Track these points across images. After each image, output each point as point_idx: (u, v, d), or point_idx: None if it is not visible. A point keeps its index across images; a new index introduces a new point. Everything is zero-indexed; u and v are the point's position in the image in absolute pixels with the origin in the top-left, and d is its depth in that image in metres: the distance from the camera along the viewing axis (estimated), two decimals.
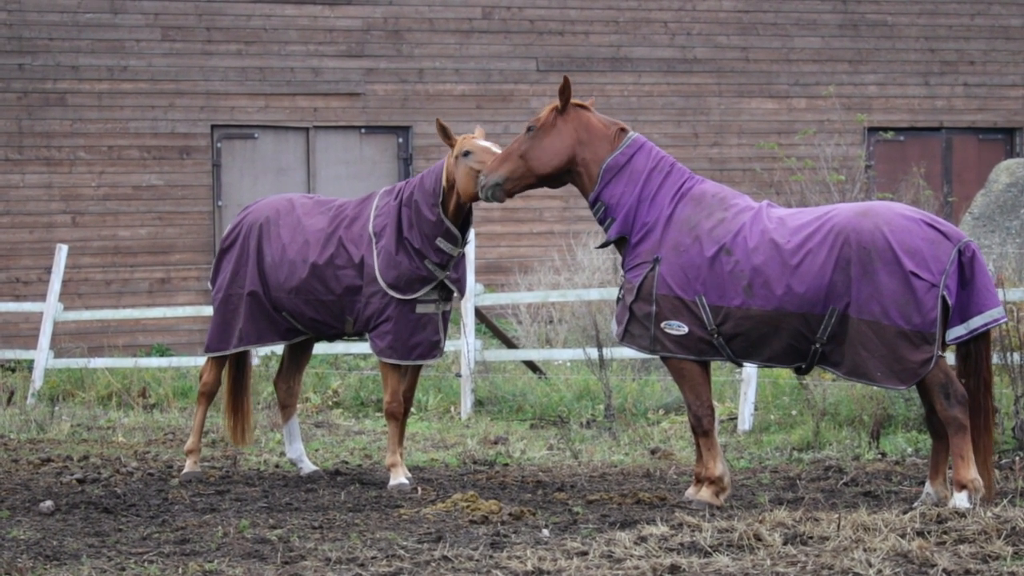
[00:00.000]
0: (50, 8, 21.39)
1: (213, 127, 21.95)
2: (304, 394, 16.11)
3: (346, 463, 11.71)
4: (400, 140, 22.51)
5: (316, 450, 12.55)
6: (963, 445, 8.48)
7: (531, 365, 16.38)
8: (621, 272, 9.28)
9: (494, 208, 21.13)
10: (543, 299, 17.25)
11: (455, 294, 10.45)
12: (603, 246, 9.46)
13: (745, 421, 13.44)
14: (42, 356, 18.18)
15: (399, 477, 10.21)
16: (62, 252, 18.60)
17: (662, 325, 8.94)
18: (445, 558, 7.41)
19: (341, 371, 17.49)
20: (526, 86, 22.81)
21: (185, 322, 20.94)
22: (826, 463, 11.08)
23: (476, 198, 9.81)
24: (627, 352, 13.62)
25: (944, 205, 22.70)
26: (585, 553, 7.42)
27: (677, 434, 13.01)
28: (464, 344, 15.60)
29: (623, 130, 9.27)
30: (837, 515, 7.95)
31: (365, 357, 18.12)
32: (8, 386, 17.82)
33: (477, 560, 7.35)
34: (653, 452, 12.01)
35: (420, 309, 10.16)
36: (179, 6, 21.80)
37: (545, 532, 8.19)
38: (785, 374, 13.96)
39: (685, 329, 8.90)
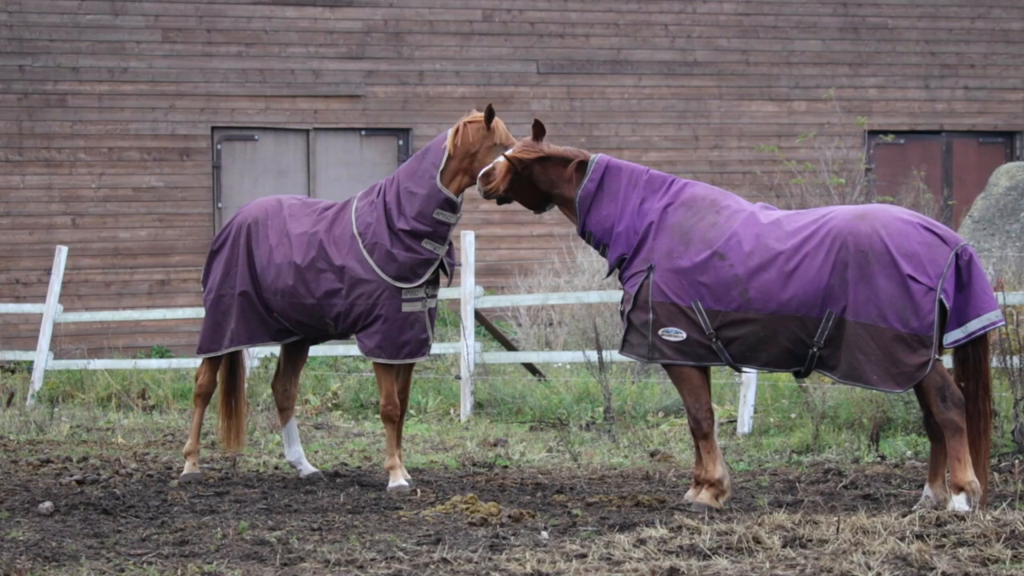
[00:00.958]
0: (51, 9, 21.40)
1: (213, 129, 21.95)
2: (303, 396, 16.11)
3: (345, 465, 11.71)
4: (400, 142, 22.50)
5: (315, 452, 12.55)
6: (960, 448, 8.47)
7: (531, 367, 16.37)
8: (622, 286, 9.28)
9: (494, 210, 21.13)
10: (543, 301, 17.23)
11: (440, 286, 10.44)
12: (609, 274, 9.45)
13: (744, 424, 13.44)
14: (42, 357, 18.17)
15: (398, 479, 10.21)
16: (62, 253, 18.59)
17: (660, 332, 8.94)
18: (444, 560, 7.42)
19: (340, 373, 17.49)
20: (526, 88, 22.81)
21: (185, 324, 20.92)
22: (825, 466, 11.08)
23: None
24: None
25: (944, 208, 22.69)
26: (584, 555, 7.42)
27: (676, 437, 13.00)
28: (464, 346, 15.60)
29: (583, 162, 9.26)
30: (836, 518, 7.95)
31: (364, 359, 18.10)
32: (8, 387, 17.81)
33: (476, 562, 7.35)
34: (652, 455, 12.01)
35: (407, 308, 10.14)
36: (180, 8, 21.80)
37: (544, 534, 8.19)
38: (784, 377, 13.96)
39: (683, 335, 8.90)
